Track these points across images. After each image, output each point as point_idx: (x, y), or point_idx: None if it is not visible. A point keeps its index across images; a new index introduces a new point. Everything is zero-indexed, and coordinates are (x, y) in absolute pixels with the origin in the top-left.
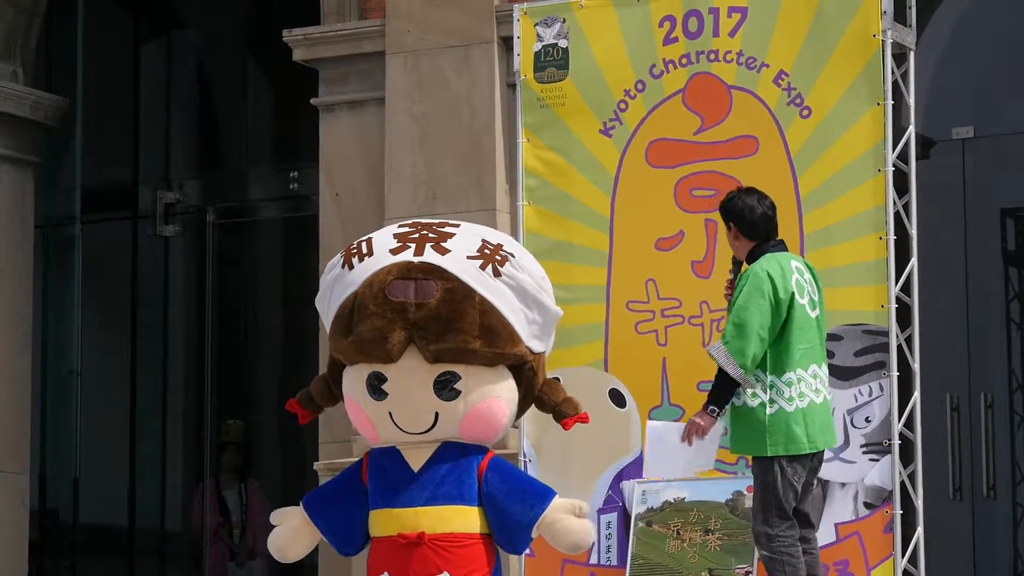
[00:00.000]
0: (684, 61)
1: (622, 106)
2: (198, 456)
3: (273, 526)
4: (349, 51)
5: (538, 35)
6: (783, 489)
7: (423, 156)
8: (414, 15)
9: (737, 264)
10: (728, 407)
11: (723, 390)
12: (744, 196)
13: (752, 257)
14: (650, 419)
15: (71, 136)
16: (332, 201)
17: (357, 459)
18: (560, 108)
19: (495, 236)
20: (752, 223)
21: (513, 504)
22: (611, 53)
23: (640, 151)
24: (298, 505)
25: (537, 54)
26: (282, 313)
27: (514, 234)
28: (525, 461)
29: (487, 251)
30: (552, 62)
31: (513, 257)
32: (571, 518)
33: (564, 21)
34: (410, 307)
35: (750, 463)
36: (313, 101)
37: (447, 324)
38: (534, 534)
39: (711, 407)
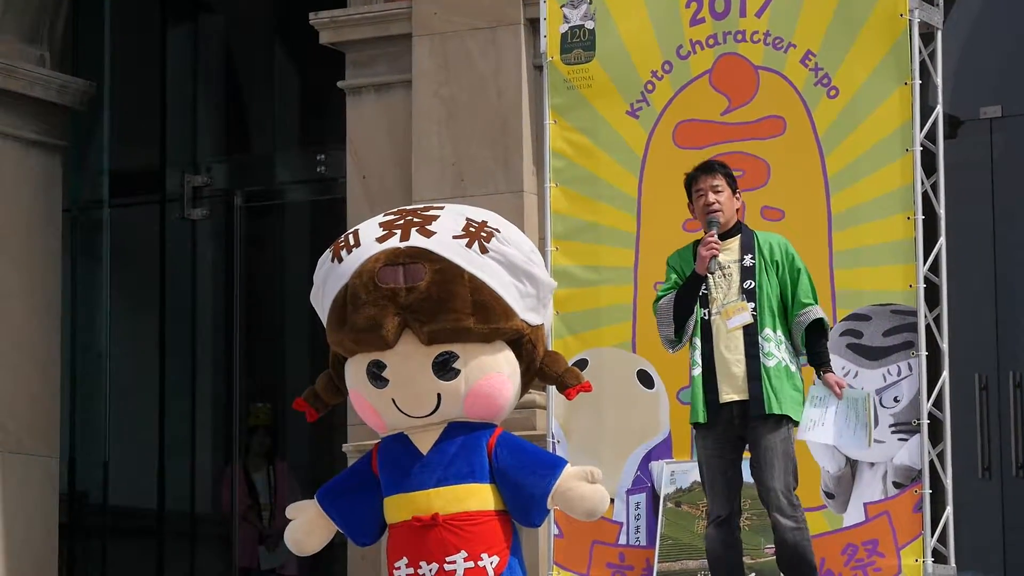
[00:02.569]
0: (711, 42)
1: (649, 87)
2: (227, 439)
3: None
4: (376, 34)
5: (565, 16)
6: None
7: (450, 138)
8: None
9: (716, 224)
10: (760, 364)
11: (827, 349)
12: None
13: (738, 230)
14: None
15: (98, 120)
16: (359, 184)
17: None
18: (587, 89)
19: (479, 214)
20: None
21: (525, 477)
22: (638, 34)
23: (667, 132)
24: (313, 498)
25: (564, 35)
26: (309, 296)
27: (541, 215)
28: (553, 443)
29: (472, 229)
30: (579, 43)
31: (499, 232)
32: (584, 484)
33: (591, 2)
34: (400, 292)
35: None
36: (340, 84)
37: (439, 305)
38: (549, 505)
39: (826, 365)
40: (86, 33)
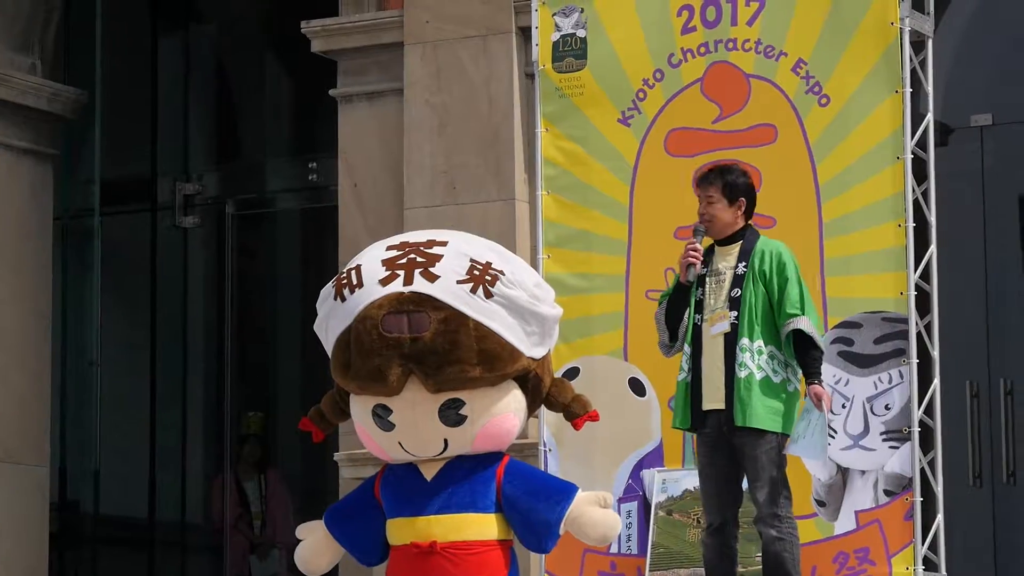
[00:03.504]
0: (702, 50)
1: (641, 95)
2: (218, 448)
3: (294, 514)
4: (367, 42)
5: (556, 25)
6: (784, 470)
7: (442, 146)
8: (432, 5)
9: (701, 234)
10: (743, 379)
11: (817, 361)
12: (746, 174)
13: (741, 236)
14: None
15: (89, 128)
16: (351, 192)
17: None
18: (578, 98)
19: (484, 252)
20: (755, 202)
21: (538, 503)
22: (629, 42)
23: (659, 140)
24: (320, 519)
25: (555, 44)
26: (302, 304)
27: (533, 223)
28: (545, 451)
29: (476, 271)
30: (570, 52)
31: (503, 275)
32: (596, 509)
33: (582, 11)
34: (405, 342)
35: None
36: (332, 92)
37: (444, 356)
38: (561, 531)
39: (817, 377)
40: (78, 42)
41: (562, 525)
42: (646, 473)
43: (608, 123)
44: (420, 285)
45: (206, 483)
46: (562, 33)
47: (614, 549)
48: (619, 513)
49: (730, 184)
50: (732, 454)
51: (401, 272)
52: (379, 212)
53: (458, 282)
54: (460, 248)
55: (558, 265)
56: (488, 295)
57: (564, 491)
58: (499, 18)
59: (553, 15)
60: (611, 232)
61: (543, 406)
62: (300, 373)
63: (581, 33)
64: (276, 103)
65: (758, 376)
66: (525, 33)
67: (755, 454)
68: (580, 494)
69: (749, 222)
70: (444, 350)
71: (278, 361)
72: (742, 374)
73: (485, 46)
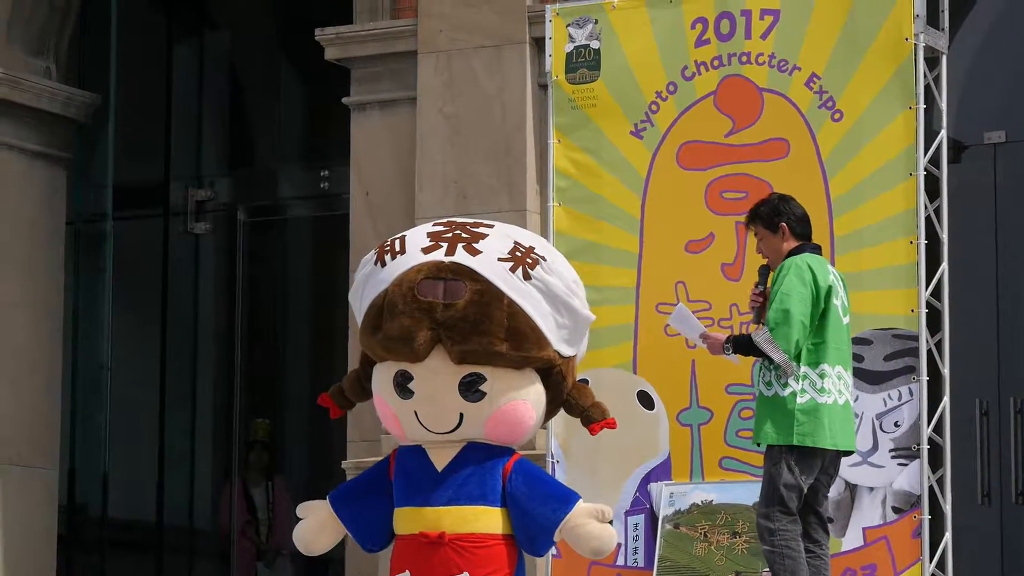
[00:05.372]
0: (716, 63)
1: (653, 108)
2: (226, 454)
3: (299, 518)
4: (381, 50)
5: (570, 36)
6: (787, 484)
7: (454, 156)
8: (446, 15)
9: (764, 274)
10: (756, 391)
11: (749, 348)
12: (784, 198)
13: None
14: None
15: (103, 133)
16: (363, 200)
17: (385, 456)
18: (591, 109)
19: (528, 238)
20: (801, 219)
21: (536, 507)
22: (643, 54)
23: (671, 153)
24: (324, 499)
25: (569, 55)
26: (312, 312)
27: (544, 235)
28: (553, 462)
29: (518, 253)
30: (584, 63)
31: (544, 260)
32: (594, 523)
33: (596, 22)
34: (438, 307)
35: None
36: (345, 100)
37: (474, 326)
38: (556, 538)
39: (728, 344)
40: (92, 46)
41: (558, 532)
42: (653, 486)
43: (620, 135)
44: (461, 257)
45: (214, 488)
46: (576, 44)
47: (620, 561)
48: (626, 526)
49: (762, 215)
50: None
51: (444, 243)
52: (390, 221)
53: (499, 259)
54: (506, 231)
55: None
56: (527, 276)
57: (565, 498)
58: (513, 28)
59: (567, 26)
60: (622, 244)
61: (562, 409)
62: (309, 380)
63: (595, 44)
64: (289, 110)
65: (767, 393)
66: (539, 44)
67: (765, 464)
68: (580, 504)
69: (805, 242)
70: (475, 320)
71: (287, 368)
72: (756, 392)
73: (498, 56)
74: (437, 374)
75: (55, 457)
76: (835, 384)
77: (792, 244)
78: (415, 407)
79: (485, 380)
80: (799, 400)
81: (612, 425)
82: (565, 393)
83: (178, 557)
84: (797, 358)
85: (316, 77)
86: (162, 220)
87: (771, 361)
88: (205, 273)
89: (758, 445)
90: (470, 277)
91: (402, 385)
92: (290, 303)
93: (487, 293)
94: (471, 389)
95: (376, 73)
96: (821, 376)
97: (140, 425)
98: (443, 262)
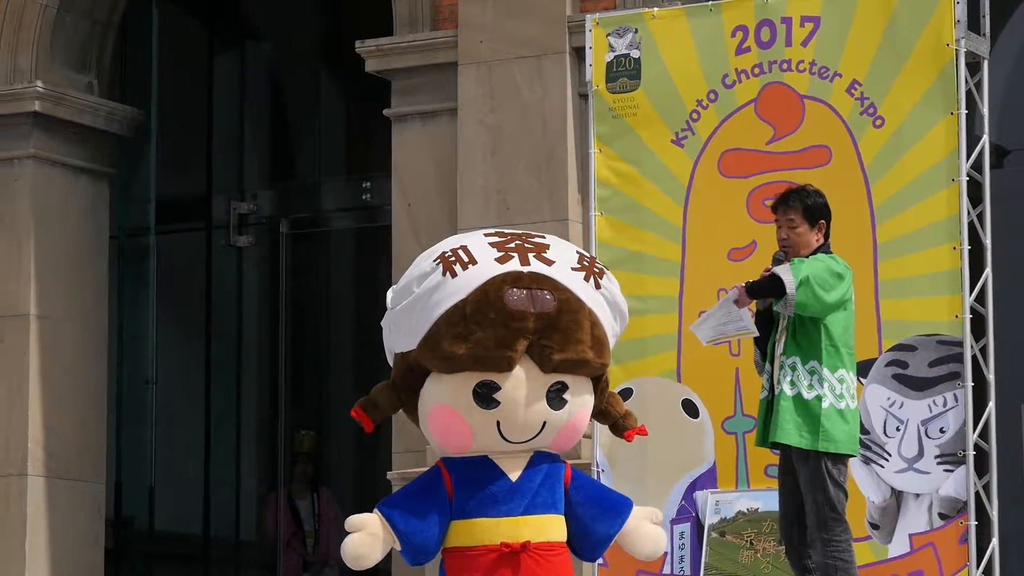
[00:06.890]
0: (757, 71)
1: (694, 116)
2: (272, 466)
3: (347, 532)
4: (421, 62)
5: (610, 45)
6: (834, 488)
7: (495, 166)
8: (487, 26)
9: (779, 264)
10: (778, 396)
11: (765, 289)
12: (824, 196)
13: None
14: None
15: (146, 147)
16: (405, 211)
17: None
18: (632, 118)
19: (583, 249)
20: (830, 220)
21: (598, 514)
22: (683, 63)
23: (712, 161)
24: (372, 512)
25: (609, 64)
26: (355, 323)
27: (587, 245)
28: (598, 471)
29: (585, 263)
30: (624, 72)
31: (607, 270)
32: (648, 524)
33: (636, 31)
34: (530, 317)
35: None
36: (385, 112)
37: (568, 334)
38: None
39: (748, 286)
40: (134, 61)
41: (616, 538)
42: (699, 495)
43: (662, 144)
44: (538, 267)
45: (259, 500)
46: (616, 54)
47: (667, 570)
48: (672, 534)
49: (810, 208)
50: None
51: (515, 254)
52: (432, 232)
53: (572, 268)
54: (563, 242)
55: None
56: (598, 286)
57: (623, 504)
58: (553, 39)
59: (607, 35)
60: (664, 253)
61: (595, 418)
62: (353, 392)
63: (635, 54)
64: (330, 122)
65: (789, 393)
66: (579, 54)
67: (802, 475)
68: (635, 509)
69: (827, 241)
70: (568, 329)
71: (331, 380)
72: (777, 390)
73: (539, 66)
74: (527, 383)
75: (102, 471)
76: (849, 389)
77: (820, 241)
78: (499, 416)
79: (568, 388)
80: (823, 405)
81: (644, 432)
82: (603, 401)
83: (224, 569)
84: (819, 360)
85: (357, 89)
86: (205, 233)
87: (779, 298)
88: (248, 286)
89: (768, 440)
90: (553, 287)
91: (486, 396)
92: (333, 315)
93: (572, 302)
94: (558, 397)
95: (417, 84)
96: (840, 382)
97: (185, 438)
98: (522, 272)
